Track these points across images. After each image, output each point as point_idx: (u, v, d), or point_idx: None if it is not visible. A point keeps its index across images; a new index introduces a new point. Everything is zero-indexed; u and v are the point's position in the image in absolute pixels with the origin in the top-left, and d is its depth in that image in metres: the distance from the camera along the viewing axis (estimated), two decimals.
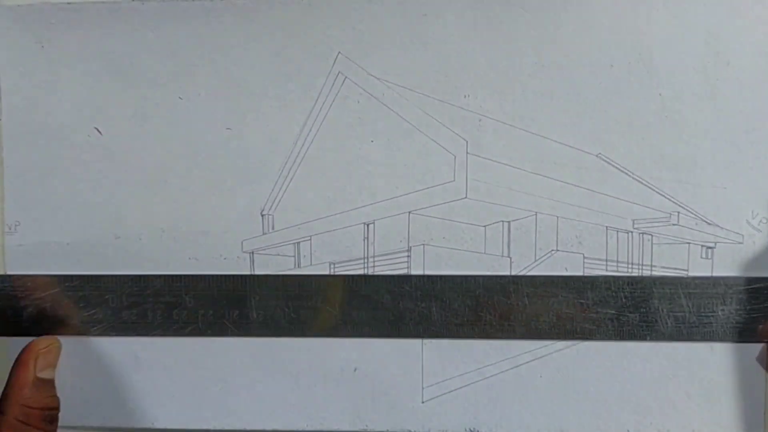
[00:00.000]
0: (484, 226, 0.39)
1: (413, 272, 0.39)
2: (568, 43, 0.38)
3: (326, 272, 0.40)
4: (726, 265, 0.38)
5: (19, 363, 0.39)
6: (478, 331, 0.39)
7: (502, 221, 0.39)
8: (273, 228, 0.40)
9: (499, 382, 0.39)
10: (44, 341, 0.40)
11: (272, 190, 0.40)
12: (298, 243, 0.40)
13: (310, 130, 0.40)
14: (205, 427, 0.41)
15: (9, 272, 0.41)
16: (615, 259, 0.39)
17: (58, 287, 0.40)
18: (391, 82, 0.39)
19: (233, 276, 0.40)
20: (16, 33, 0.41)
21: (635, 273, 0.39)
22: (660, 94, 0.38)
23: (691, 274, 0.38)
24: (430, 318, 0.39)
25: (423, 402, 0.40)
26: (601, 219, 0.39)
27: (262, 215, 0.40)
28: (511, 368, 0.39)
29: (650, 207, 0.39)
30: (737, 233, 0.38)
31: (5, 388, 0.38)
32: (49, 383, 0.39)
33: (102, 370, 0.41)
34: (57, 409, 0.39)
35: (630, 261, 0.39)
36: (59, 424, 0.41)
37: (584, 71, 0.39)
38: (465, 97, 0.39)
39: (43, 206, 0.41)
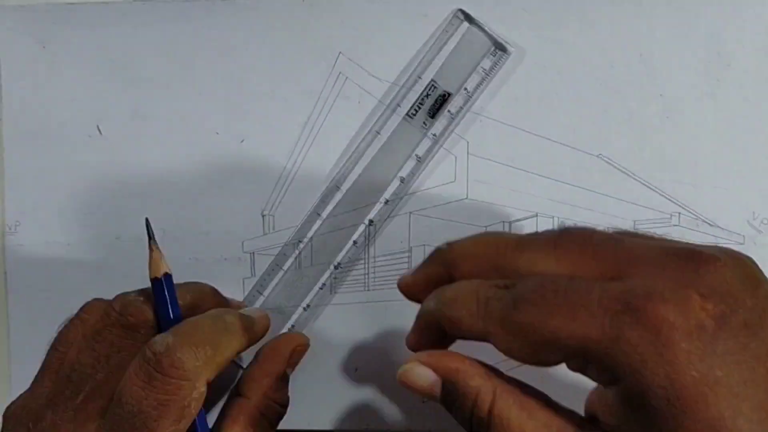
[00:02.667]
0: (485, 227, 0.39)
1: None
2: (568, 43, 0.38)
3: (327, 272, 0.40)
4: None
5: (273, 352, 0.36)
6: None
7: (503, 222, 0.39)
8: (274, 228, 0.40)
9: None
10: (301, 337, 0.38)
11: (273, 190, 0.40)
12: (299, 243, 0.40)
13: (311, 131, 0.40)
14: None
15: (9, 272, 0.41)
16: None
17: None
18: (392, 82, 0.39)
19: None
20: (18, 33, 0.41)
21: None
22: (661, 95, 0.38)
23: None
24: None
25: (424, 401, 0.40)
26: (602, 219, 0.39)
27: (263, 215, 0.40)
28: (511, 368, 0.39)
29: (651, 207, 0.39)
30: (738, 234, 0.38)
31: (249, 371, 0.36)
32: (288, 380, 0.37)
33: None
34: (286, 409, 0.36)
35: None
36: None
37: (584, 71, 0.39)
38: None
39: (43, 206, 0.41)
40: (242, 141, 0.40)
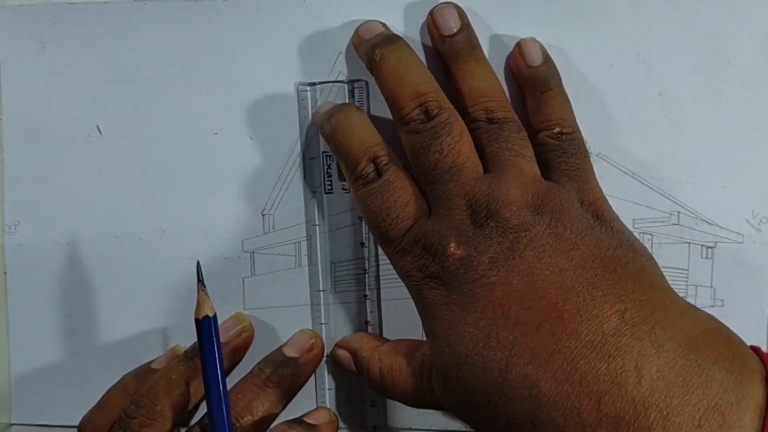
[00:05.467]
0: None
1: None
2: (566, 42, 0.38)
3: (326, 272, 0.40)
4: (726, 265, 0.38)
5: None
6: None
7: None
8: (273, 227, 0.40)
9: None
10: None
11: (273, 189, 0.40)
12: (299, 242, 0.40)
13: (311, 130, 0.40)
14: None
15: (9, 272, 0.41)
16: None
17: None
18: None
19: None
20: (17, 33, 0.41)
21: None
22: (660, 94, 0.38)
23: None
24: None
25: None
26: None
27: (263, 215, 0.40)
28: None
29: (650, 206, 0.39)
30: (737, 233, 0.38)
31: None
32: None
33: (102, 370, 0.41)
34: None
35: None
36: (58, 423, 0.41)
37: (583, 71, 0.39)
38: None
39: (43, 206, 0.41)
40: (241, 140, 0.40)
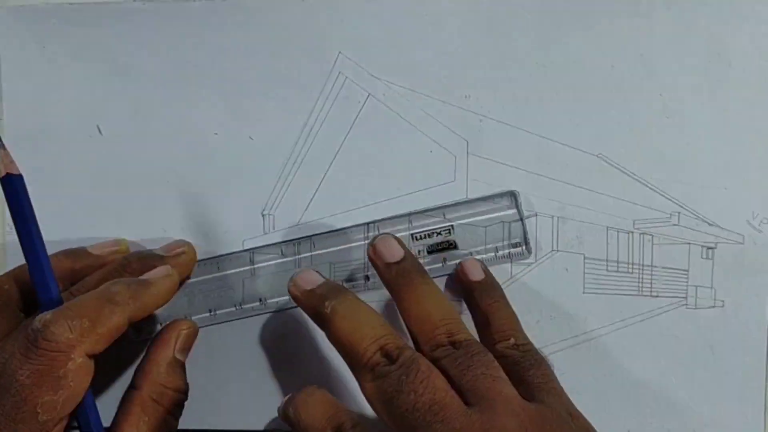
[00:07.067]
0: (485, 227, 0.39)
1: None
2: (568, 43, 0.38)
3: (327, 272, 0.40)
4: (726, 266, 0.38)
5: (159, 340, 0.37)
6: None
7: (503, 222, 0.39)
8: (273, 228, 0.40)
9: None
10: (186, 323, 0.38)
11: (273, 189, 0.40)
12: (299, 243, 0.40)
13: (311, 130, 0.40)
14: (203, 426, 0.41)
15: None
16: (615, 259, 0.39)
17: None
18: (392, 82, 0.39)
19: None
20: (18, 33, 0.41)
21: (635, 273, 0.39)
22: (661, 95, 0.38)
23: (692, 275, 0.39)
24: None
25: None
26: (602, 219, 0.39)
27: (263, 215, 0.40)
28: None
29: (651, 207, 0.39)
30: (738, 234, 0.38)
31: (141, 363, 0.37)
32: (183, 366, 0.37)
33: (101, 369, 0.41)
34: (187, 393, 0.37)
35: (630, 261, 0.39)
36: None
37: (584, 71, 0.39)
38: (465, 97, 0.39)
39: (43, 206, 0.41)
40: (242, 140, 0.40)
